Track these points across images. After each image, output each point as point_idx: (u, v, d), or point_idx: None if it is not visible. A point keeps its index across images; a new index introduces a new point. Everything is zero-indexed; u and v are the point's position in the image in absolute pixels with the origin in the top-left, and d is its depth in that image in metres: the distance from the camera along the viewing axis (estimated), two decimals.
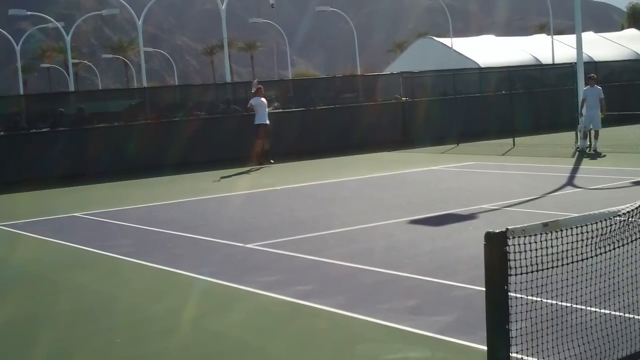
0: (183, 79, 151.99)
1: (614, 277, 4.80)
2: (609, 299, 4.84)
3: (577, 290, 4.52)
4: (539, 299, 4.39)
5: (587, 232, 4.15)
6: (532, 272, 3.92)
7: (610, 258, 4.44)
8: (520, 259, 3.82)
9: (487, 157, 19.82)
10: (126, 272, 8.91)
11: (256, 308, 6.95)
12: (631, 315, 5.02)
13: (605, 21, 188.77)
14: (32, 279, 8.94)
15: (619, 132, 20.79)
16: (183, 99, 25.81)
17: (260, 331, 6.28)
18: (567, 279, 4.38)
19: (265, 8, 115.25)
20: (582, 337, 4.54)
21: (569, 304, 4.61)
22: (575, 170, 16.22)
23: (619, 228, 4.37)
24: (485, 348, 3.86)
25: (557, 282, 4.33)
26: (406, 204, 12.55)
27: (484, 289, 3.82)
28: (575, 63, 21.30)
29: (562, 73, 27.53)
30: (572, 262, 4.17)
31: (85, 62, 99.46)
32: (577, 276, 4.47)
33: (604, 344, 4.56)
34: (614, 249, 4.38)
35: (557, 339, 4.54)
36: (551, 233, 3.96)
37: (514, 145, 21.84)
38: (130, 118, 23.03)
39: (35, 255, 10.38)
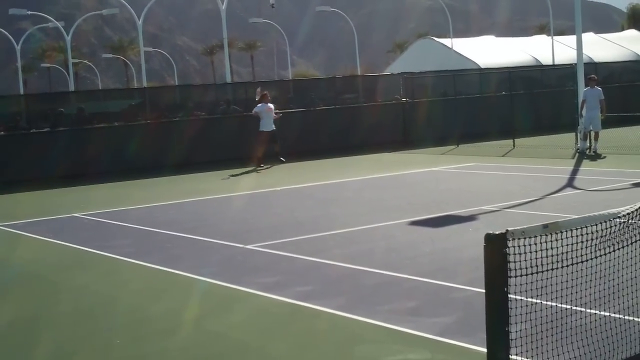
0: (183, 79, 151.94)
1: (613, 279, 4.80)
2: (609, 301, 4.83)
3: (577, 292, 4.51)
4: (538, 301, 4.39)
5: (587, 234, 4.15)
6: (532, 273, 3.92)
7: (610, 260, 4.44)
8: (520, 261, 3.81)
9: (487, 158, 19.82)
10: (126, 272, 8.92)
11: (256, 309, 6.96)
12: (631, 318, 5.03)
13: (606, 22, 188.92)
14: (32, 280, 8.94)
15: (619, 134, 20.75)
16: (183, 99, 25.79)
17: (260, 332, 6.29)
18: (567, 281, 4.38)
19: (265, 8, 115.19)
20: (582, 339, 4.53)
21: (568, 306, 4.61)
22: (575, 171, 16.22)
23: (619, 230, 4.36)
24: (485, 350, 3.85)
25: (557, 284, 4.33)
26: (406, 205, 12.55)
27: (483, 290, 3.82)
28: (576, 64, 21.32)
29: (563, 74, 27.53)
30: (572, 264, 4.16)
31: (86, 62, 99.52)
32: (577, 278, 4.46)
33: (603, 346, 4.56)
34: (614, 251, 4.37)
35: (556, 341, 4.54)
36: (551, 235, 3.96)
37: (514, 146, 21.83)
38: (131, 118, 23.04)
39: (36, 255, 10.38)
